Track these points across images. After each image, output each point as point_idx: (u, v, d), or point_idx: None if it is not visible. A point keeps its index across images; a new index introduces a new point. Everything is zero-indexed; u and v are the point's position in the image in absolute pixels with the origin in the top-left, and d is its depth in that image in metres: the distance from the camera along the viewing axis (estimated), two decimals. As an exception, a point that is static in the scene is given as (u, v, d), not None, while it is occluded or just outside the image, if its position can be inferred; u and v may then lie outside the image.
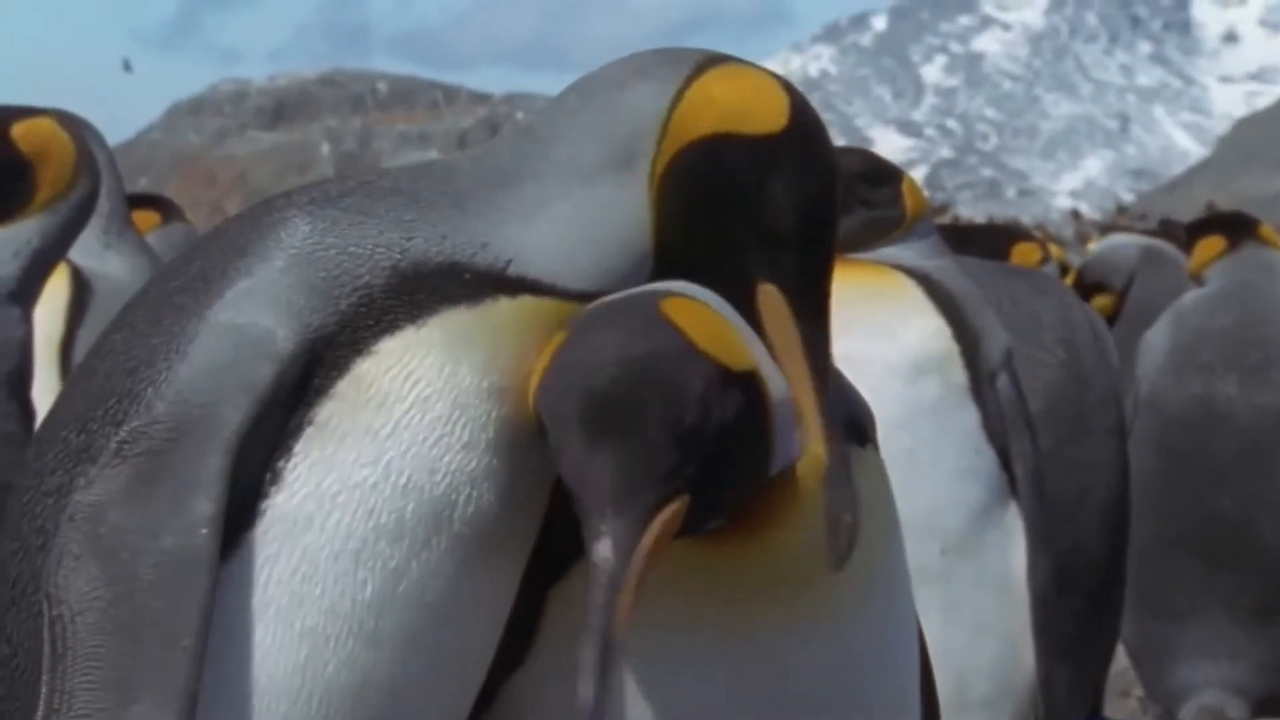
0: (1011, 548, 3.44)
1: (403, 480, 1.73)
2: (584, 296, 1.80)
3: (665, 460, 1.69)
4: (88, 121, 4.03)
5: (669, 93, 1.84)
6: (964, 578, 3.41)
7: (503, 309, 1.78)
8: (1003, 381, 3.47)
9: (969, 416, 3.44)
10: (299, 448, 1.72)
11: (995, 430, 3.44)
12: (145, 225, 6.00)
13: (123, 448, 1.71)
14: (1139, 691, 5.80)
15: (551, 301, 1.79)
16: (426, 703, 1.77)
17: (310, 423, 1.73)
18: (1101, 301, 7.24)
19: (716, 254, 1.83)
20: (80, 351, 3.99)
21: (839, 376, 1.89)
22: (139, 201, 6.36)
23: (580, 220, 1.81)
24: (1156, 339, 5.54)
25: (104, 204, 4.00)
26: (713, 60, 1.86)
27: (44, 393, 3.88)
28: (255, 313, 1.74)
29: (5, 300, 3.25)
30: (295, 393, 1.72)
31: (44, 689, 1.67)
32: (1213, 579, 5.39)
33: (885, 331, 3.45)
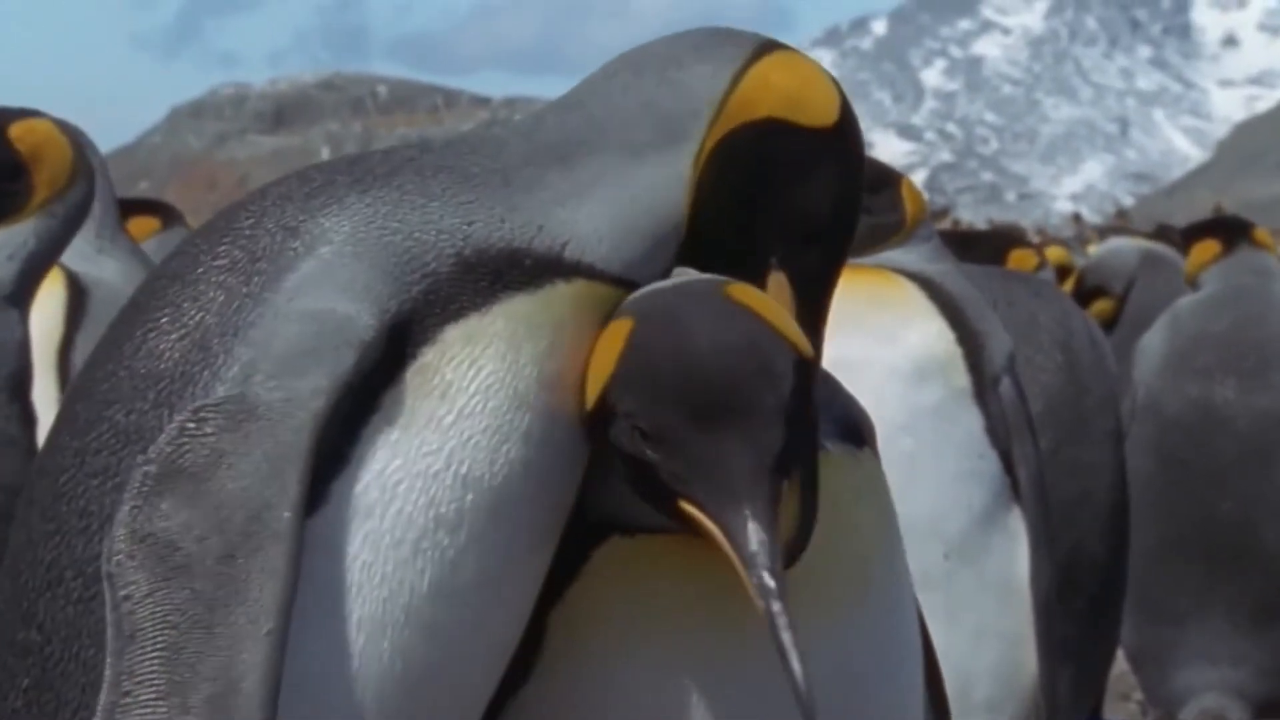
0: (1014, 551, 3.43)
1: (464, 470, 1.71)
2: (625, 282, 1.79)
3: (780, 443, 1.68)
4: (78, 129, 4.03)
5: (727, 74, 1.83)
6: (967, 582, 3.40)
7: (561, 293, 1.76)
8: (1005, 385, 3.46)
9: (971, 420, 3.43)
10: (365, 434, 1.69)
11: (998, 434, 3.44)
12: (146, 231, 5.98)
13: (188, 428, 1.66)
14: (1139, 695, 5.80)
15: (603, 286, 1.78)
16: (476, 689, 1.77)
17: (377, 409, 1.70)
18: (1102, 305, 7.24)
19: (740, 237, 1.83)
20: (79, 356, 3.99)
21: (833, 381, 1.89)
22: (140, 207, 6.35)
23: (625, 201, 1.80)
24: (1153, 343, 5.54)
25: (96, 209, 4.00)
26: (770, 45, 1.86)
27: (43, 399, 3.88)
28: (332, 298, 1.71)
29: (2, 303, 3.23)
30: (368, 379, 1.70)
31: (109, 671, 1.61)
32: (1213, 582, 5.39)
33: (888, 335, 3.45)
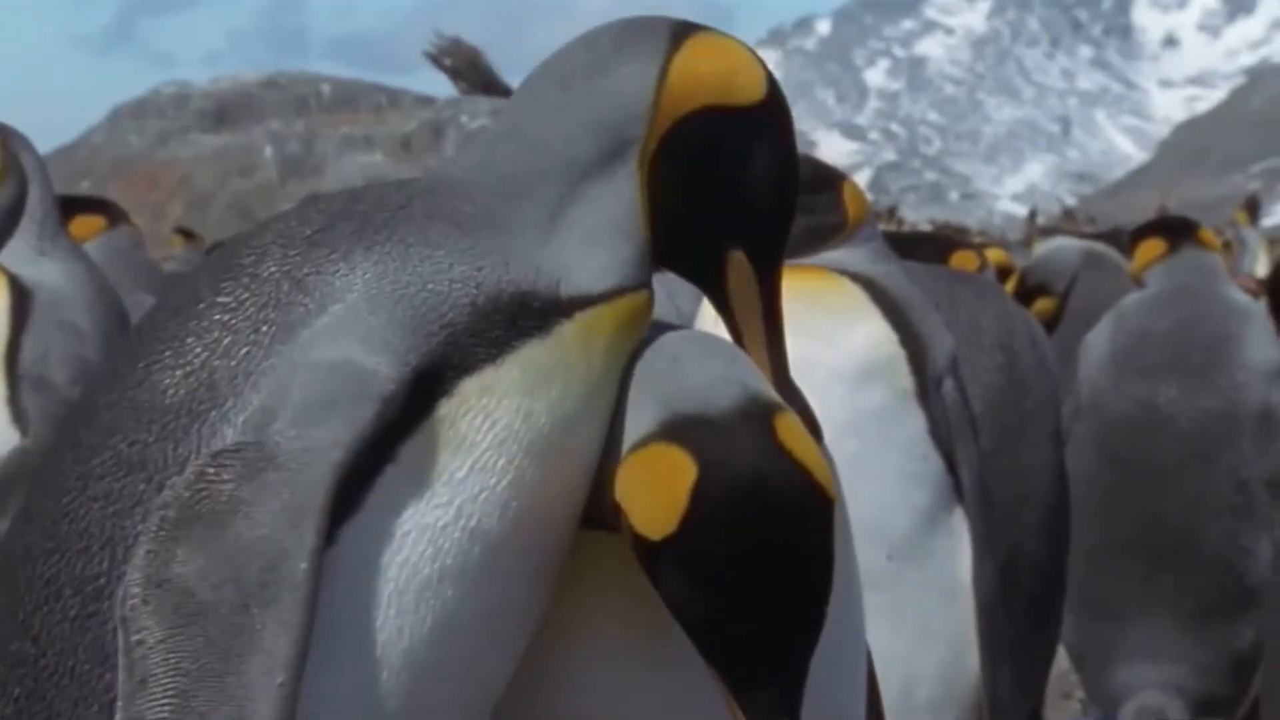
0: (958, 553, 3.44)
1: (473, 523, 1.72)
2: (616, 291, 1.80)
3: (819, 634, 1.72)
4: (14, 129, 4.03)
5: (653, 72, 1.83)
6: (910, 583, 3.41)
7: (568, 334, 1.77)
8: (948, 387, 3.46)
9: (915, 422, 3.44)
10: (379, 482, 1.71)
11: (941, 435, 3.44)
12: (90, 230, 5.98)
13: (206, 474, 1.67)
14: (1081, 694, 5.83)
15: (600, 307, 1.79)
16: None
17: (392, 460, 1.71)
18: (1044, 304, 7.28)
19: (697, 227, 1.85)
20: (26, 359, 3.99)
21: (790, 382, 1.91)
22: (85, 205, 6.34)
23: (590, 221, 1.81)
24: (1097, 341, 5.56)
25: (36, 211, 4.00)
26: (684, 30, 1.86)
27: (-8, 401, 3.87)
28: (351, 350, 1.71)
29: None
30: (387, 431, 1.70)
31: (121, 714, 1.62)
32: (1155, 581, 5.42)
33: (830, 337, 3.44)
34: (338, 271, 1.75)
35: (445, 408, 1.73)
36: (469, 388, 1.73)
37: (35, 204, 3.98)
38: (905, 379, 3.44)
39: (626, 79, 1.83)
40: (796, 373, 1.99)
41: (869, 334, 3.46)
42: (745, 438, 1.71)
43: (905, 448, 3.43)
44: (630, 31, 1.87)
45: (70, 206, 6.15)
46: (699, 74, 1.84)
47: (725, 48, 1.87)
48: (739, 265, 1.85)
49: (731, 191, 1.85)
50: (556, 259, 1.79)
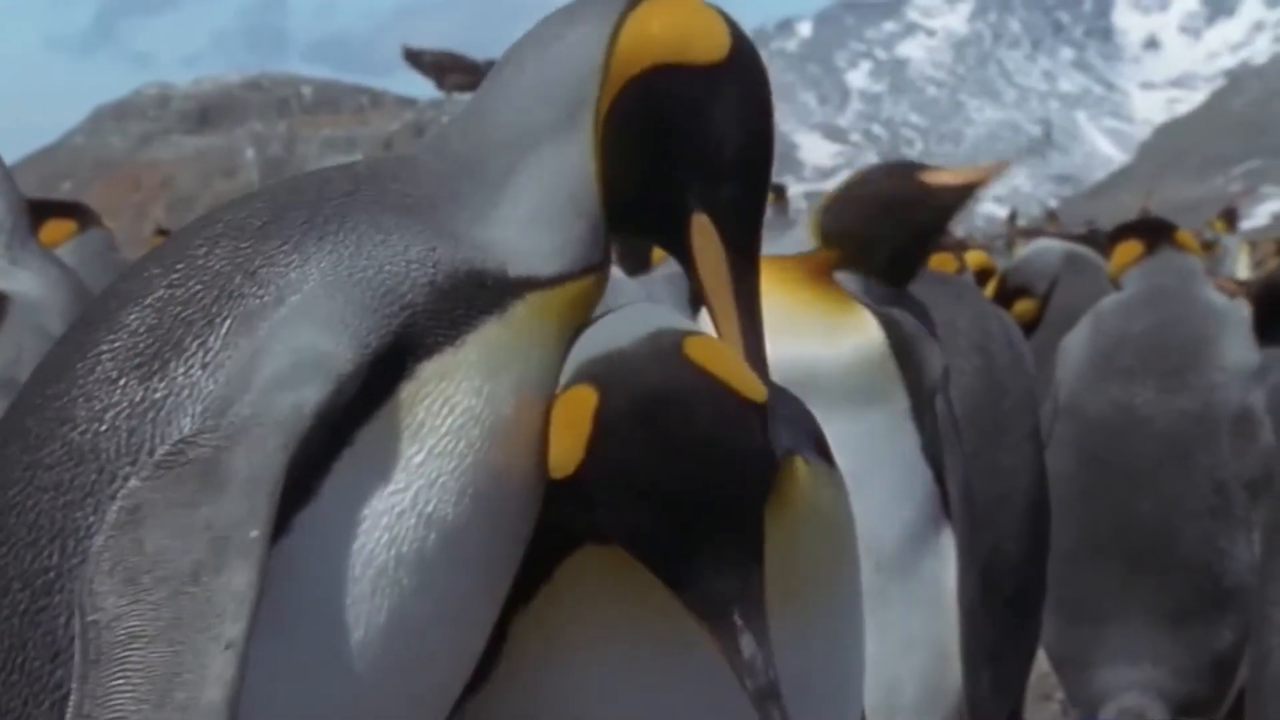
0: (944, 562, 3.44)
1: (429, 510, 1.71)
2: (566, 276, 1.78)
3: (759, 529, 1.67)
4: None
5: (605, 33, 1.81)
6: (897, 595, 3.40)
7: (520, 314, 1.76)
8: (940, 402, 3.46)
9: (908, 439, 3.43)
10: (335, 468, 1.69)
11: (932, 449, 3.43)
12: (62, 234, 5.97)
13: (165, 462, 1.65)
14: (1061, 695, 5.83)
15: (549, 291, 1.77)
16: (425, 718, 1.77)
17: (349, 444, 1.69)
18: (1024, 306, 7.28)
19: (655, 190, 1.81)
20: (1, 365, 3.98)
21: (794, 397, 1.89)
22: (56, 209, 6.33)
23: (540, 193, 1.79)
24: (1075, 343, 5.57)
25: (5, 220, 3.99)
26: None
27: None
28: (311, 335, 1.69)
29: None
30: (344, 412, 1.69)
31: (74, 697, 1.61)
32: (1133, 583, 5.42)
33: (827, 353, 3.43)
34: (291, 263, 1.73)
35: (404, 391, 1.71)
36: (428, 372, 1.72)
37: (3, 214, 3.97)
38: (900, 396, 3.43)
39: (577, 42, 1.81)
40: (792, 387, 1.97)
41: (866, 350, 3.44)
42: (646, 359, 1.68)
43: (898, 464, 3.41)
44: (586, 0, 1.85)
45: (41, 210, 6.14)
46: (651, 33, 1.81)
47: (683, 7, 1.83)
48: (702, 228, 1.81)
49: (686, 150, 1.81)
50: (501, 238, 1.77)
